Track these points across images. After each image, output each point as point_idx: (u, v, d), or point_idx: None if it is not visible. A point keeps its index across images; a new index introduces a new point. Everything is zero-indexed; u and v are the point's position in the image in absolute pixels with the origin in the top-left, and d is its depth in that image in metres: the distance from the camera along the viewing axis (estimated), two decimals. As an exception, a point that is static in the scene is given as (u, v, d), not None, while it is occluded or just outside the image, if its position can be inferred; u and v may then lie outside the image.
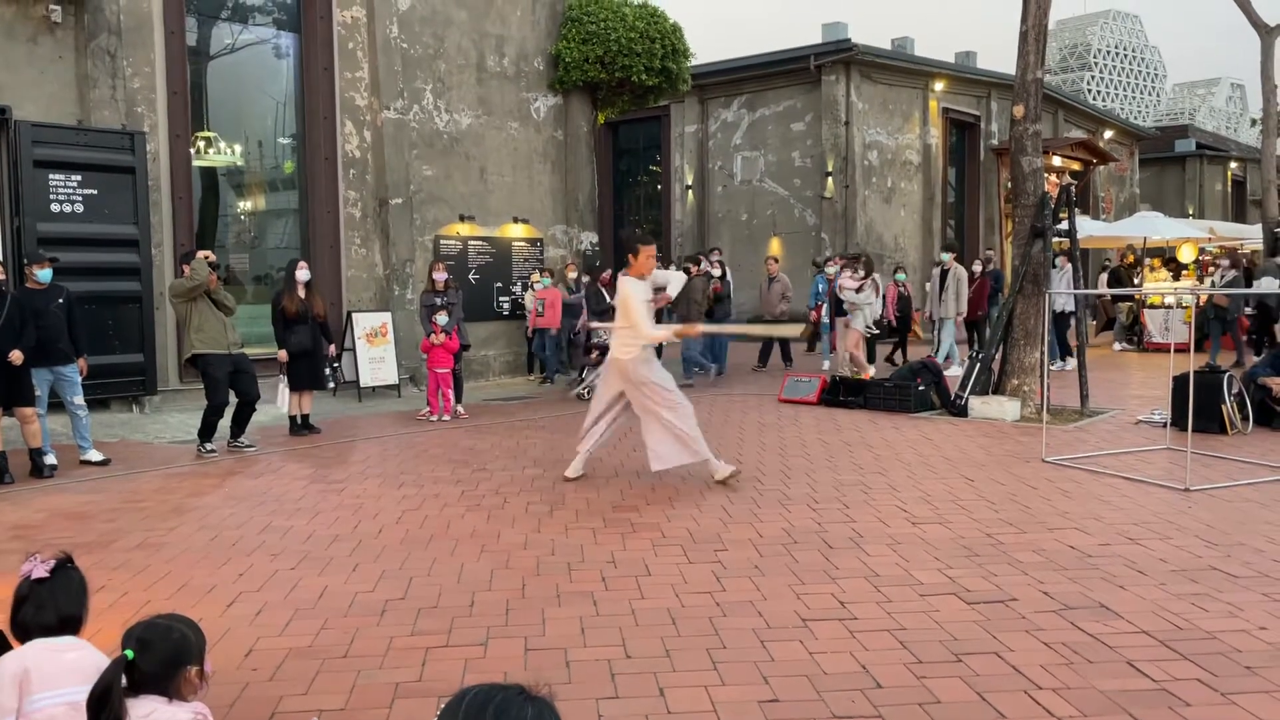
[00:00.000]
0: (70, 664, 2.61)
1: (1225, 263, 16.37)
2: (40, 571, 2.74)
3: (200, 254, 8.53)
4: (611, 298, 14.48)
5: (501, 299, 14.51)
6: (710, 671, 3.78)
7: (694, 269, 13.52)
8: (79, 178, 10.09)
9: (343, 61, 12.80)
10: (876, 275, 13.83)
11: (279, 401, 9.51)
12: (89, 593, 2.88)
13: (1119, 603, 4.49)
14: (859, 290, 13.16)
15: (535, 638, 4.16)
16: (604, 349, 12.17)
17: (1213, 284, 16.82)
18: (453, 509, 6.50)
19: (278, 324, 9.43)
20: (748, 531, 5.83)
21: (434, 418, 10.52)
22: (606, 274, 15.15)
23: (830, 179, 21.47)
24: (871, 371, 12.87)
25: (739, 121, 23.29)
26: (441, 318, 10.61)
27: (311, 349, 9.51)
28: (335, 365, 10.39)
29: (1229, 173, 40.55)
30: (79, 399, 8.14)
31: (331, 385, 10.34)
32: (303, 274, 9.52)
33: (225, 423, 8.80)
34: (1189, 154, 38.93)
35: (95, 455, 8.18)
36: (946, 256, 15.16)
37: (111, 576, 5.06)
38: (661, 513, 6.32)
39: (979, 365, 10.59)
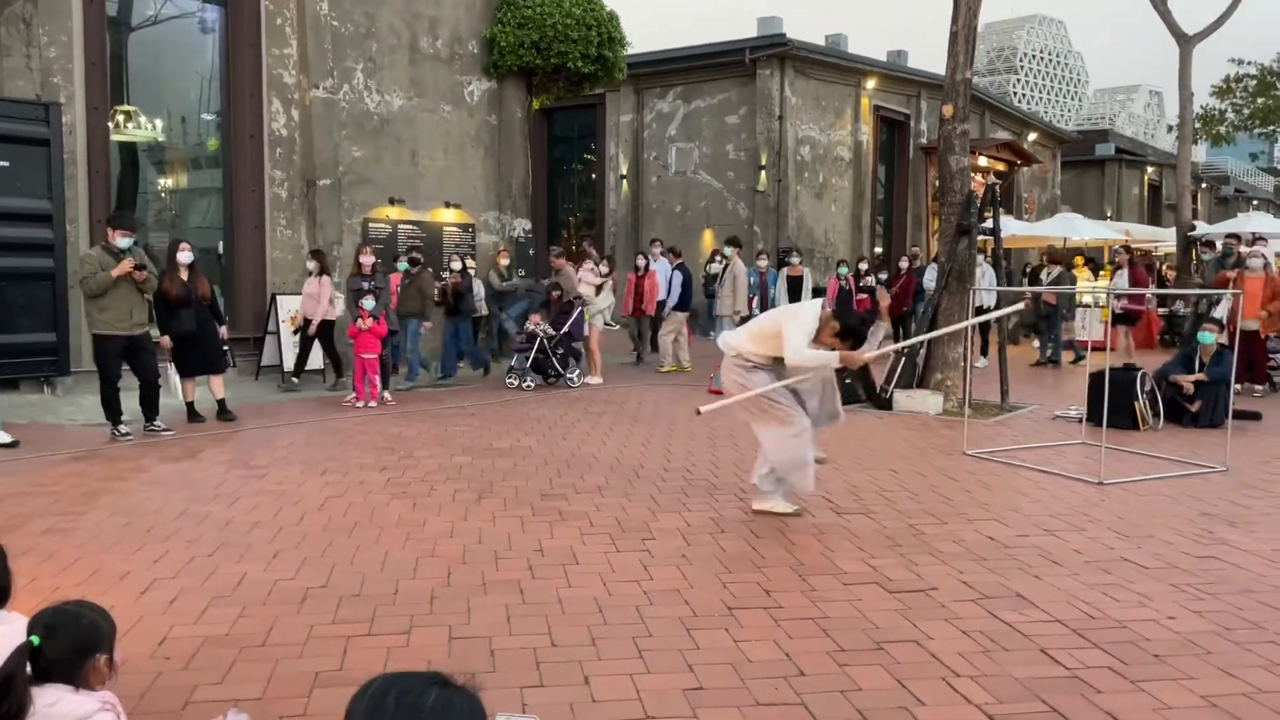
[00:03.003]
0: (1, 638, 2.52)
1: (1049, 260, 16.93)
2: None
3: (116, 271, 8.10)
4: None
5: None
6: (636, 660, 3.78)
7: (414, 268, 12.19)
8: (-11, 149, 9.69)
9: (270, 37, 12.49)
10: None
11: (171, 389, 9.21)
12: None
13: (1034, 592, 4.60)
14: (599, 290, 13.13)
15: (460, 626, 4.12)
16: (532, 336, 12.14)
17: (1038, 282, 17.37)
18: (377, 496, 6.40)
19: (159, 308, 8.99)
20: (676, 521, 5.85)
21: (360, 404, 10.36)
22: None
23: (763, 173, 21.60)
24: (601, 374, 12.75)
25: (674, 112, 23.30)
26: (368, 302, 10.43)
27: (198, 333, 9.12)
28: (226, 347, 9.92)
29: (1146, 177, 41.79)
30: (-14, 379, 7.85)
31: (232, 365, 9.97)
32: (185, 256, 9.07)
33: (137, 406, 8.57)
34: (1108, 158, 40.02)
35: (4, 437, 7.88)
36: (729, 250, 14.23)
37: (18, 562, 4.82)
38: (590, 502, 6.31)
39: (904, 359, 10.77)
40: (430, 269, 12.70)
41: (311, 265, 11.67)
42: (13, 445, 7.82)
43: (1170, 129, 24.77)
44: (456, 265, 12.92)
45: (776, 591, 4.58)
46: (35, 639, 2.35)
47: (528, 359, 12.13)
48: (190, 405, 9.30)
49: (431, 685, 1.38)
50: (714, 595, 4.52)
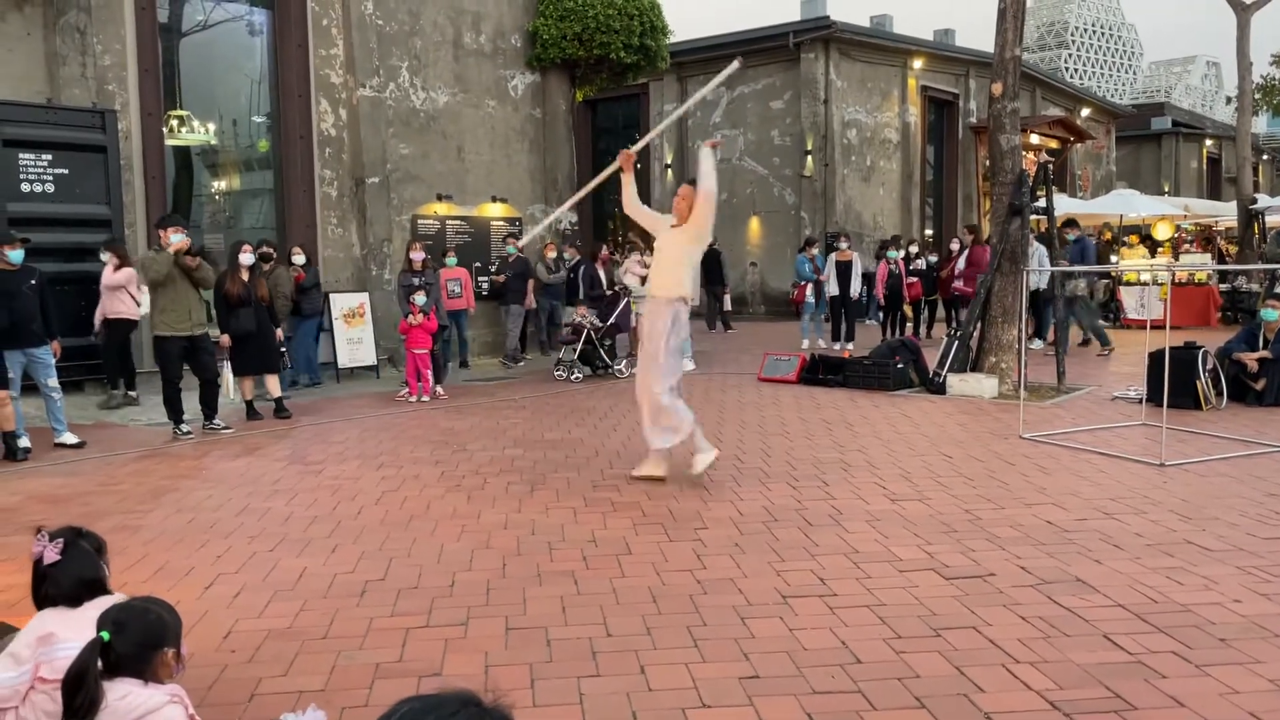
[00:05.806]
0: (91, 620, 2.62)
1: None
2: (51, 556, 2.75)
3: (172, 246, 8.30)
4: (611, 279, 14.14)
5: (480, 279, 14.42)
6: (691, 649, 3.79)
7: (266, 265, 10.24)
8: (49, 157, 9.94)
9: (317, 38, 12.65)
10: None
11: (224, 388, 9.35)
12: (106, 550, 2.95)
13: (1095, 577, 4.53)
14: (644, 281, 12.76)
15: (516, 617, 4.16)
16: (579, 329, 12.16)
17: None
18: (432, 490, 6.48)
19: (220, 308, 9.19)
20: (728, 510, 5.84)
21: (413, 399, 10.47)
22: (605, 251, 14.95)
23: (809, 157, 21.45)
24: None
25: (718, 100, 23.20)
26: (419, 298, 10.54)
27: (255, 332, 9.26)
28: (283, 349, 10.04)
29: (1204, 150, 40.80)
30: (53, 381, 8.06)
31: (288, 366, 10.10)
32: (246, 257, 9.22)
33: (197, 405, 8.75)
34: (1165, 132, 39.13)
35: (70, 438, 8.10)
36: None
37: (87, 560, 5.00)
38: (642, 492, 6.33)
39: (957, 343, 10.63)
40: (285, 264, 11.00)
41: (105, 256, 9.82)
42: (79, 446, 8.03)
43: (1229, 100, 24.18)
44: (300, 259, 11.32)
45: (831, 579, 4.56)
46: (105, 634, 2.42)
47: (575, 351, 12.18)
48: (249, 403, 9.47)
49: (464, 707, 1.35)
50: (768, 584, 4.51)
